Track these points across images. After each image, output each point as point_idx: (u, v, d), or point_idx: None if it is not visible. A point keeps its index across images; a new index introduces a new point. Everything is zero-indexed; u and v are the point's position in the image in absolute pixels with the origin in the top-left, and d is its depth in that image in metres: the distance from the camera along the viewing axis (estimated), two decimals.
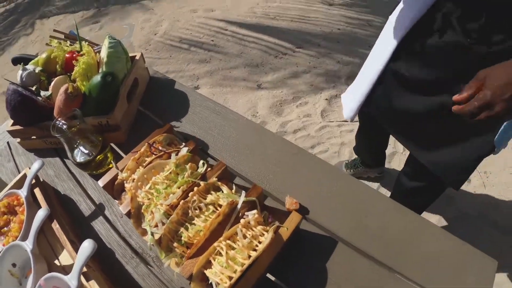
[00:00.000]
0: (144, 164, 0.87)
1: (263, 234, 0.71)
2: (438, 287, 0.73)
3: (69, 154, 0.99)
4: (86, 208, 1.02)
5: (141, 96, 1.29)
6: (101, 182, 0.91)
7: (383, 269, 0.76)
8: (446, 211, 1.92)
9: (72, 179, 1.10)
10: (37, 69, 1.21)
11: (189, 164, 0.85)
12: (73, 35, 1.36)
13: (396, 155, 2.19)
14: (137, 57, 1.27)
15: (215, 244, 0.69)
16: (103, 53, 1.15)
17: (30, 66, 1.22)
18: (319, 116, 2.52)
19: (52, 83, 1.16)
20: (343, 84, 2.69)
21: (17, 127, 1.16)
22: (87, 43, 1.28)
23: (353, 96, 1.34)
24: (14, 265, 0.86)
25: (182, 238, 0.73)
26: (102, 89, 1.06)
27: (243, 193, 0.77)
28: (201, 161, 0.87)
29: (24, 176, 1.02)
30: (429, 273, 0.74)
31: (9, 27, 4.71)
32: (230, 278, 0.65)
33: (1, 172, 1.22)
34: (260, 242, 0.70)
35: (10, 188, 1.01)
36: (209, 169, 0.86)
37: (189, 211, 0.75)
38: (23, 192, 0.96)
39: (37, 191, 0.98)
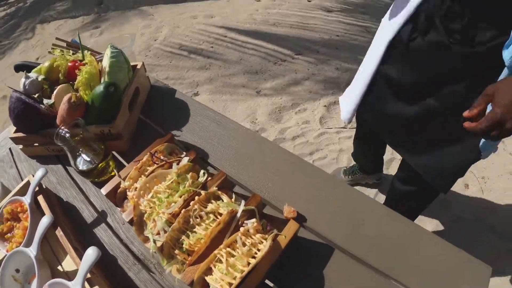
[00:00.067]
0: (146, 173, 0.89)
1: (262, 242, 0.73)
2: None
3: (71, 162, 1.01)
4: (88, 215, 1.03)
5: (142, 105, 1.31)
6: (104, 190, 0.93)
7: (379, 276, 0.78)
8: (444, 216, 1.94)
9: (75, 187, 1.12)
10: (40, 77, 1.22)
11: (190, 173, 0.87)
12: (75, 43, 1.38)
13: (394, 161, 2.21)
14: (138, 66, 1.29)
15: (216, 251, 0.71)
16: (105, 63, 1.17)
17: (33, 74, 1.23)
18: (318, 123, 2.54)
19: (55, 92, 1.18)
20: (342, 91, 2.67)
21: (20, 134, 1.17)
22: (89, 52, 1.30)
23: (349, 98, 1.35)
24: (17, 270, 0.88)
25: (184, 246, 0.75)
26: (104, 99, 1.08)
27: (243, 202, 0.79)
28: (202, 171, 0.89)
29: (28, 183, 1.03)
30: (424, 279, 0.76)
31: (9, 30, 4.73)
32: (230, 284, 0.67)
33: (3, 178, 1.23)
34: (259, 250, 0.72)
35: (14, 195, 1.03)
36: (209, 178, 0.88)
37: (190, 219, 0.77)
38: (26, 199, 0.97)
39: (40, 198, 0.99)
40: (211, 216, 0.78)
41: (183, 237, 0.75)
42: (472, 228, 1.88)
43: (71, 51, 1.32)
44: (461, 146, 1.04)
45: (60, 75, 1.24)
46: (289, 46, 3.26)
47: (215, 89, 2.97)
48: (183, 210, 0.78)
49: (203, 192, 0.81)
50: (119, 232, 0.97)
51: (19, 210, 0.99)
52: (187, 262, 0.73)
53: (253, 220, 0.75)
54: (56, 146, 1.17)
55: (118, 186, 0.93)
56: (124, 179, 0.92)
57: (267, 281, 0.80)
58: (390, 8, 1.11)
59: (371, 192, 2.08)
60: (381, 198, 2.02)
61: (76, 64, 1.23)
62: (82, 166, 1.01)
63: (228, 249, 0.71)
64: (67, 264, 0.91)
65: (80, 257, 0.78)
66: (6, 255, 0.88)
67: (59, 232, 0.90)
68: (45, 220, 0.88)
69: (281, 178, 1.00)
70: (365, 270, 0.79)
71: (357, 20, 3.51)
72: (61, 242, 0.88)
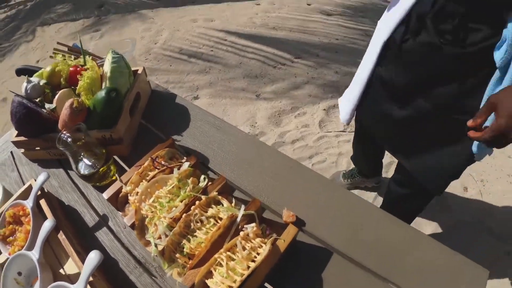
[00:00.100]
0: (148, 178, 0.90)
1: (261, 246, 0.74)
2: None
3: (73, 166, 1.02)
4: (90, 219, 1.04)
5: (143, 110, 1.32)
6: (106, 195, 0.94)
7: (377, 279, 0.79)
8: (443, 218, 1.95)
9: (76, 191, 1.12)
10: (42, 82, 1.23)
11: (191, 178, 0.88)
12: (76, 48, 1.39)
13: (393, 165, 2.21)
14: (139, 71, 1.30)
15: (216, 255, 0.72)
16: (107, 68, 1.19)
17: (34, 79, 1.24)
18: (317, 127, 2.55)
19: (57, 96, 1.19)
20: (341, 95, 2.69)
21: (22, 138, 1.18)
22: (90, 57, 1.32)
23: (347, 99, 1.37)
24: (19, 273, 0.89)
25: (184, 250, 0.76)
26: (106, 105, 1.09)
27: (243, 206, 0.80)
28: (202, 176, 0.90)
29: (30, 187, 1.04)
30: (422, 283, 0.77)
31: (10, 33, 4.75)
32: (230, 287, 0.68)
33: (5, 181, 1.24)
34: (258, 254, 0.73)
35: (16, 199, 1.03)
36: (209, 183, 0.89)
37: (191, 223, 0.78)
38: (29, 203, 0.98)
39: (42, 202, 1.00)
40: (212, 220, 0.79)
41: (184, 241, 0.77)
42: (471, 230, 1.89)
43: (72, 56, 1.33)
44: (455, 148, 1.04)
45: (61, 79, 1.25)
46: (288, 49, 3.28)
47: (215, 92, 2.98)
48: (184, 214, 0.79)
49: (203, 197, 0.82)
50: (120, 236, 0.98)
51: (21, 213, 0.99)
52: (188, 265, 0.74)
53: (253, 224, 0.77)
54: (58, 150, 1.18)
55: (119, 190, 0.94)
56: (125, 184, 0.93)
57: (266, 285, 0.80)
58: (386, 10, 1.12)
59: (370, 196, 2.09)
60: (380, 201, 2.02)
61: (78, 69, 1.24)
62: (83, 170, 1.02)
63: (228, 253, 0.72)
64: (69, 267, 0.92)
65: (82, 260, 0.79)
66: (8, 258, 0.89)
67: (61, 236, 0.91)
68: (48, 224, 0.89)
69: (280, 183, 1.01)
70: (364, 274, 0.80)
71: (356, 23, 3.53)
72: (63, 245, 0.89)
